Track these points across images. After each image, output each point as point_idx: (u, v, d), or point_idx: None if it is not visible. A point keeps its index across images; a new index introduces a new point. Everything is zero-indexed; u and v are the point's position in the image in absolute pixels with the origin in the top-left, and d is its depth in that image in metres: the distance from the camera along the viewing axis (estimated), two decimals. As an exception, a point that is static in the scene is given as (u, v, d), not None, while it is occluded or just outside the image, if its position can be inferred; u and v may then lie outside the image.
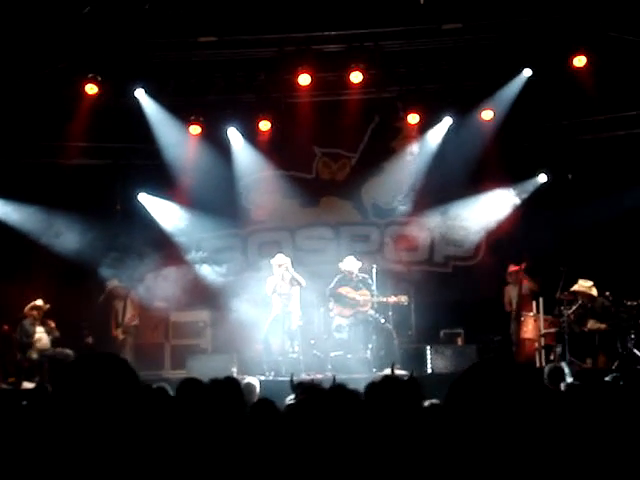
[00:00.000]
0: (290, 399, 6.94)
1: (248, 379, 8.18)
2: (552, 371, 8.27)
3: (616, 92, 14.82)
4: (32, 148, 15.78)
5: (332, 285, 13.93)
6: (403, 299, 13.81)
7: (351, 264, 13.92)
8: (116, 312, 15.10)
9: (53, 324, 14.01)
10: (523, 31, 14.12)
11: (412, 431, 4.60)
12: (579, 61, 13.97)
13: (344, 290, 13.87)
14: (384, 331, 13.79)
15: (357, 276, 13.87)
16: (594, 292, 13.51)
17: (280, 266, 13.73)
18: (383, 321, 13.76)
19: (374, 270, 14.03)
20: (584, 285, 13.52)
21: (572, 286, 13.58)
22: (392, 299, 13.83)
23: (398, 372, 12.68)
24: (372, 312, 13.76)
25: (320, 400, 5.03)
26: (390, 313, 13.99)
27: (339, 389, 5.12)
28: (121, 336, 14.95)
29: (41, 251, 14.95)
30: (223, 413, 5.18)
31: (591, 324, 13.45)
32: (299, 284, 13.72)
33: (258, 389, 8.30)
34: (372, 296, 13.77)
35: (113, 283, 15.07)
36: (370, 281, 13.93)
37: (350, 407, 4.65)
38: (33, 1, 12.65)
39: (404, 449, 4.27)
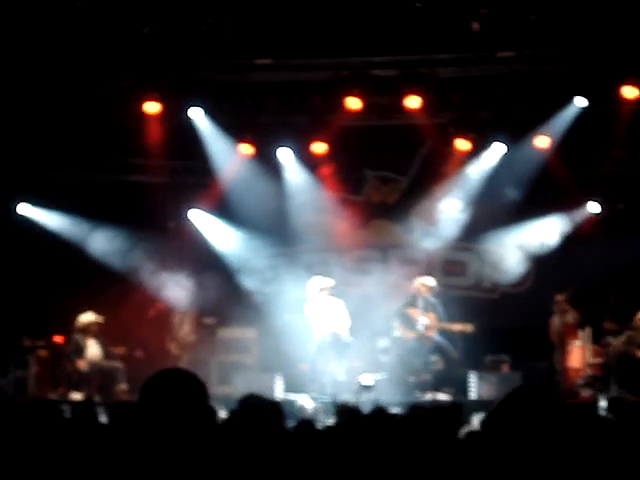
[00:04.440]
0: (330, 421, 7.05)
1: (299, 398, 8.26)
2: (612, 402, 8.13)
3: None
4: (91, 164, 16.11)
5: (401, 305, 14.04)
6: (469, 328, 13.81)
7: (427, 280, 14.00)
8: (172, 327, 15.29)
9: (118, 349, 14.28)
10: (576, 60, 14.14)
11: (449, 457, 4.67)
12: (629, 92, 13.98)
13: (412, 311, 13.92)
14: (447, 356, 13.85)
15: (428, 298, 13.93)
16: None
17: (321, 290, 13.86)
18: (448, 346, 13.83)
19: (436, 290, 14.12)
20: None
21: (623, 316, 13.52)
22: (457, 326, 13.86)
23: (441, 397, 12.81)
24: (437, 336, 13.83)
25: (359, 423, 5.16)
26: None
27: (379, 413, 5.25)
28: (176, 351, 15.12)
29: (94, 265, 15.22)
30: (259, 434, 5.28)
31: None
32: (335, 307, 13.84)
33: (310, 408, 8.39)
34: (439, 321, 13.83)
35: (169, 299, 15.25)
36: (439, 307, 14.01)
37: (388, 431, 4.76)
38: (94, 20, 12.98)
39: (439, 474, 4.35)
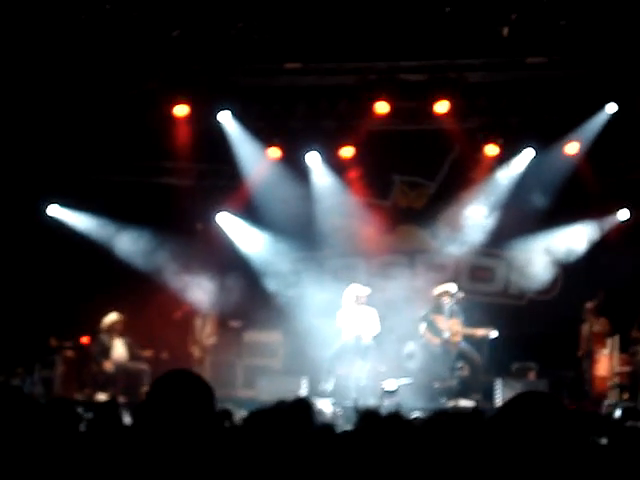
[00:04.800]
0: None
1: (319, 403, 8.25)
2: (627, 411, 8.04)
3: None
4: (120, 166, 16.24)
5: (427, 310, 14.00)
6: (492, 333, 13.73)
7: (447, 287, 13.94)
8: (194, 329, 15.34)
9: (146, 352, 14.37)
10: (606, 65, 14.02)
11: (468, 463, 4.62)
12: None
13: (438, 318, 13.87)
14: (472, 362, 13.78)
15: (453, 304, 13.87)
16: None
17: (357, 298, 13.87)
18: (473, 353, 13.77)
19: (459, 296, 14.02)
20: None
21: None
22: (480, 332, 13.79)
23: (466, 404, 12.73)
24: (463, 342, 13.77)
25: (375, 428, 5.10)
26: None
27: (395, 418, 5.19)
28: (198, 353, 15.16)
29: (122, 267, 15.32)
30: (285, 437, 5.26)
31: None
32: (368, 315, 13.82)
33: (329, 413, 8.40)
34: (464, 327, 13.78)
35: (194, 301, 15.30)
36: (461, 315, 13.96)
37: (404, 436, 4.71)
38: (125, 22, 13.06)
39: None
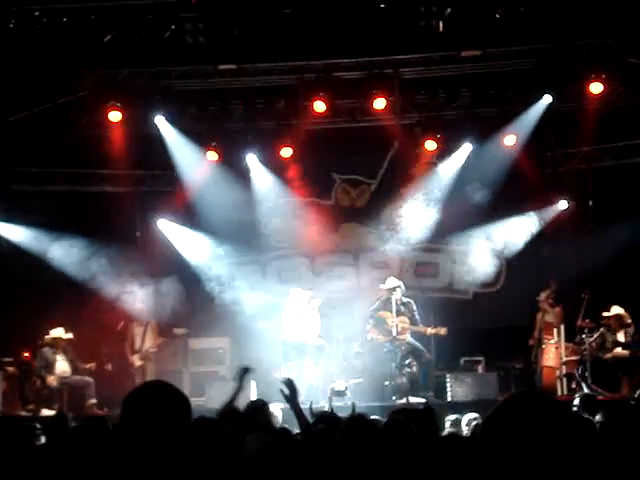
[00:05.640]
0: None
1: (270, 407, 8.09)
2: (585, 400, 8.02)
3: (635, 118, 14.81)
4: (53, 175, 15.91)
5: (374, 306, 13.86)
6: (442, 331, 13.64)
7: (393, 282, 13.84)
8: (133, 338, 15.05)
9: (91, 366, 14.04)
10: (542, 57, 14.12)
11: (427, 461, 4.54)
12: (596, 88, 14.02)
13: (385, 315, 13.75)
14: (421, 359, 13.72)
15: (400, 300, 13.75)
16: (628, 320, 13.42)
17: (300, 301, 13.76)
18: (421, 349, 13.70)
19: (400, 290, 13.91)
20: (620, 312, 13.40)
21: (597, 312, 13.48)
22: (431, 330, 13.70)
23: (416, 400, 12.68)
24: (410, 339, 13.66)
25: (337, 429, 5.00)
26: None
27: (358, 419, 5.09)
28: (138, 362, 14.87)
29: (61, 278, 14.97)
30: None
31: (615, 351, 13.30)
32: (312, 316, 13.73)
33: (280, 417, 8.27)
34: (413, 324, 13.67)
35: (133, 309, 15.03)
36: (414, 306, 13.86)
37: (368, 437, 4.61)
38: (53, 29, 12.77)
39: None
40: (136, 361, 14.88)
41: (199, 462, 3.85)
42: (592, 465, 2.32)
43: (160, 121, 15.22)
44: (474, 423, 7.89)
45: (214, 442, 4.00)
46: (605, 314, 13.48)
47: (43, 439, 6.84)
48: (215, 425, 4.13)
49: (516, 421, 2.16)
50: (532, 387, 14.09)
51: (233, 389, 7.02)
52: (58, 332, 13.83)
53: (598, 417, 5.52)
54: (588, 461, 2.27)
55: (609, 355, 13.31)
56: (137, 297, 14.94)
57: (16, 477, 4.64)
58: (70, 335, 13.89)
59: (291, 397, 6.35)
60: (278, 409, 8.40)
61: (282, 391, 6.51)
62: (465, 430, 7.95)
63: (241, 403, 7.06)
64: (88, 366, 14.00)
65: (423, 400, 12.72)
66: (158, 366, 15.10)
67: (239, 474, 4.07)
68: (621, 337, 13.42)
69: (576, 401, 7.92)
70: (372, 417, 5.99)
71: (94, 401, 13.42)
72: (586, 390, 12.39)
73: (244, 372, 7.23)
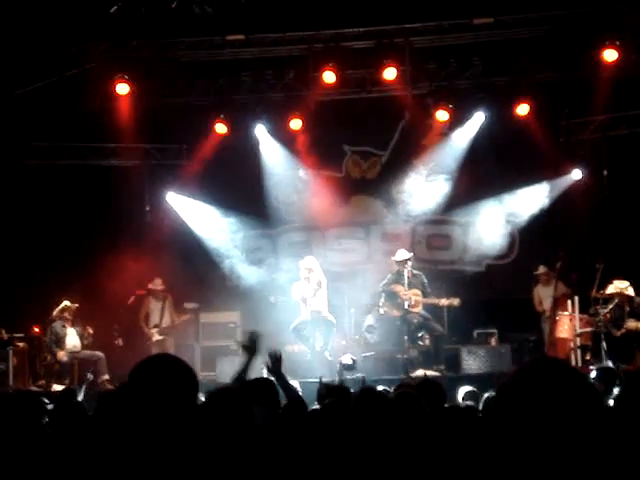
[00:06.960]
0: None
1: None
2: (604, 372, 7.88)
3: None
4: (61, 149, 15.80)
5: (385, 281, 13.69)
6: (456, 302, 13.51)
7: (404, 255, 13.66)
8: (148, 313, 14.97)
9: (89, 329, 13.96)
10: (555, 25, 13.90)
11: (436, 432, 4.46)
12: (610, 55, 13.80)
13: (397, 288, 13.58)
14: (434, 332, 13.59)
15: (411, 272, 13.60)
16: (631, 292, 13.20)
17: (309, 270, 13.56)
18: (434, 322, 13.58)
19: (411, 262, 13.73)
20: (620, 287, 13.18)
21: (608, 284, 13.28)
22: (444, 301, 13.56)
23: (429, 373, 12.57)
24: (423, 312, 13.52)
25: (348, 402, 4.90)
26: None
27: (368, 391, 4.99)
28: (157, 337, 14.77)
29: (71, 252, 14.91)
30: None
31: (629, 324, 13.14)
32: (320, 286, 13.54)
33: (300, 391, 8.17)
34: (424, 296, 13.53)
35: (154, 283, 14.93)
36: (424, 279, 13.70)
37: (378, 409, 4.51)
38: (61, 1, 12.63)
39: (422, 450, 4.12)
40: (155, 335, 14.78)
41: (207, 432, 3.79)
42: (607, 435, 2.20)
43: (169, 93, 15.09)
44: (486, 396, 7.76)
45: (229, 411, 3.93)
46: (608, 292, 13.25)
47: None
48: (231, 394, 4.06)
49: (534, 388, 2.05)
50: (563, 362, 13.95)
51: (243, 359, 6.90)
52: (63, 304, 13.78)
53: (616, 390, 5.39)
54: (604, 430, 2.16)
55: (624, 327, 13.12)
56: (151, 272, 14.84)
57: (24, 453, 4.58)
58: (76, 305, 13.83)
59: (273, 367, 6.28)
60: (296, 383, 8.29)
61: (266, 363, 6.43)
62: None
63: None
64: (97, 339, 13.96)
65: (437, 373, 12.64)
66: (173, 341, 14.98)
67: (251, 445, 3.98)
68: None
69: (593, 373, 7.79)
70: (381, 388, 5.91)
71: (107, 377, 13.36)
72: (609, 363, 12.20)
73: (254, 338, 7.03)
